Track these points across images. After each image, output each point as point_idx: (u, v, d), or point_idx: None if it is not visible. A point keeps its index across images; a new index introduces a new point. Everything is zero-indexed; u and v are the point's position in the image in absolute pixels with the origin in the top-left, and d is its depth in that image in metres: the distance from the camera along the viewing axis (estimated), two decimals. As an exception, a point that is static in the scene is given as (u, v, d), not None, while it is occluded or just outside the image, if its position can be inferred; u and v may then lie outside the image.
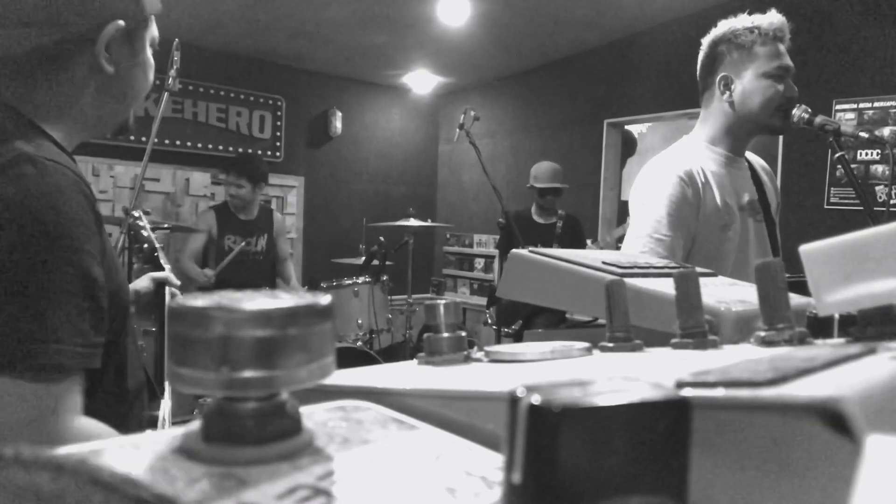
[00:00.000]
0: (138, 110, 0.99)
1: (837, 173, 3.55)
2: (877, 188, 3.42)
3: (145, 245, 1.45)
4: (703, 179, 1.52)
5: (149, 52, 0.95)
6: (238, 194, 3.71)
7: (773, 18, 1.54)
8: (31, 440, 0.69)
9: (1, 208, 0.74)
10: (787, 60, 1.54)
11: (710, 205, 1.51)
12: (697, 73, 1.65)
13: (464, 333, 0.49)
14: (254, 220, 3.83)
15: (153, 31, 0.95)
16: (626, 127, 5.11)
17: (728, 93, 1.56)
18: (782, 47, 1.54)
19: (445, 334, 0.48)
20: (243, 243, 3.70)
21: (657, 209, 1.47)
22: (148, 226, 1.52)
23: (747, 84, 1.54)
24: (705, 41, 1.62)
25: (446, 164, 6.30)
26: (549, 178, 4.02)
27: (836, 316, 0.46)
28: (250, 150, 4.81)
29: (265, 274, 3.92)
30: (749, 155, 1.70)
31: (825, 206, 3.60)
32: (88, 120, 0.91)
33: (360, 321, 3.58)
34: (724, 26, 1.58)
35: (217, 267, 3.61)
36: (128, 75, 0.91)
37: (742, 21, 1.55)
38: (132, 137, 4.34)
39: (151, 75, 0.96)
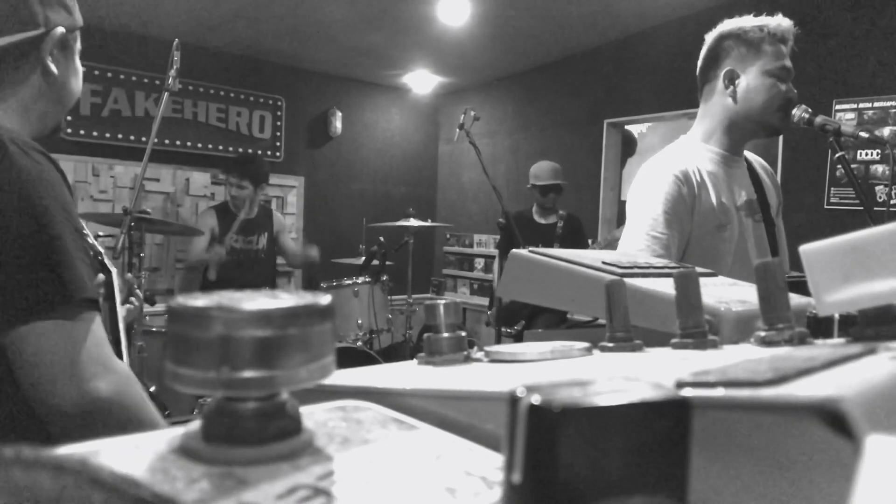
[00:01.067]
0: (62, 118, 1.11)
1: (837, 173, 3.55)
2: (877, 188, 3.42)
3: (90, 252, 1.68)
4: (698, 179, 1.52)
5: (78, 60, 1.07)
6: (240, 195, 3.74)
7: (781, 21, 1.56)
8: (88, 369, 0.83)
9: (7, 187, 0.84)
10: (790, 63, 1.56)
11: (705, 204, 1.52)
12: (698, 67, 1.65)
13: (464, 333, 0.49)
14: (254, 218, 3.86)
15: (79, 43, 1.08)
16: (626, 127, 5.11)
17: (732, 87, 1.57)
18: (785, 49, 1.56)
19: (445, 334, 0.48)
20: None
21: (653, 207, 1.48)
22: (90, 234, 1.75)
23: (752, 80, 1.55)
24: (710, 36, 1.63)
25: (446, 164, 6.30)
26: (550, 175, 4.02)
27: (836, 316, 0.46)
28: (250, 150, 4.81)
29: (266, 273, 3.94)
30: (749, 154, 1.70)
31: (825, 206, 3.60)
32: (32, 118, 1.02)
33: (360, 321, 3.58)
34: (731, 23, 1.59)
35: (226, 240, 3.66)
36: (65, 79, 1.04)
37: (750, 20, 1.57)
38: (132, 137, 4.35)
39: (81, 81, 1.09)
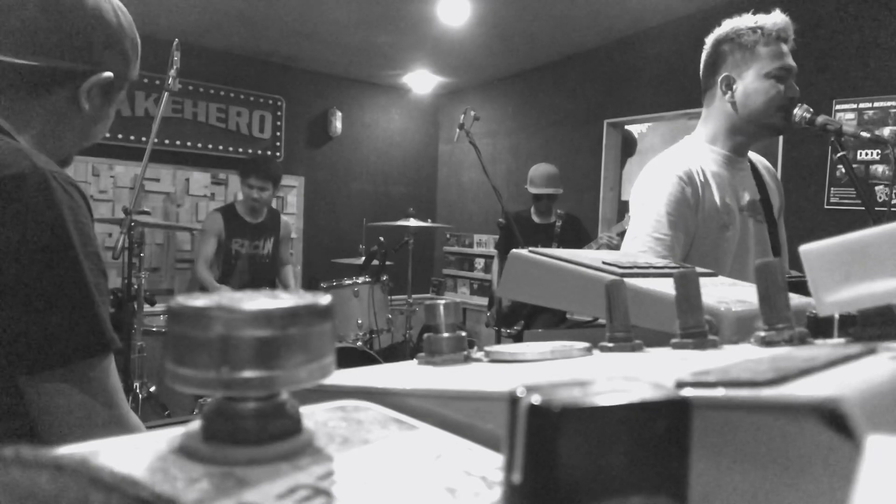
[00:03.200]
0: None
1: (837, 173, 3.55)
2: (877, 188, 3.42)
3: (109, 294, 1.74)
4: (702, 179, 1.52)
5: (113, 109, 1.04)
6: (261, 198, 3.71)
7: (776, 18, 1.54)
8: (100, 418, 0.85)
9: (27, 223, 0.80)
10: (790, 61, 1.54)
11: (708, 205, 1.51)
12: (700, 72, 1.65)
13: (464, 333, 0.49)
14: (261, 222, 3.83)
15: (124, 94, 1.05)
16: (626, 127, 5.11)
17: (730, 93, 1.56)
18: (785, 47, 1.54)
19: (445, 334, 0.48)
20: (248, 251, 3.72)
21: (657, 208, 1.47)
22: None
23: (749, 84, 1.54)
24: (708, 40, 1.62)
25: (446, 164, 6.30)
26: (544, 183, 4.00)
27: (836, 316, 0.46)
28: (251, 151, 4.82)
29: (270, 277, 3.94)
30: (752, 155, 1.70)
31: (825, 206, 3.60)
32: (49, 146, 0.98)
33: (360, 321, 3.58)
34: (727, 26, 1.58)
35: (235, 282, 3.65)
36: (93, 120, 1.00)
37: (745, 21, 1.55)
38: (132, 137, 4.35)
39: (107, 127, 1.06)
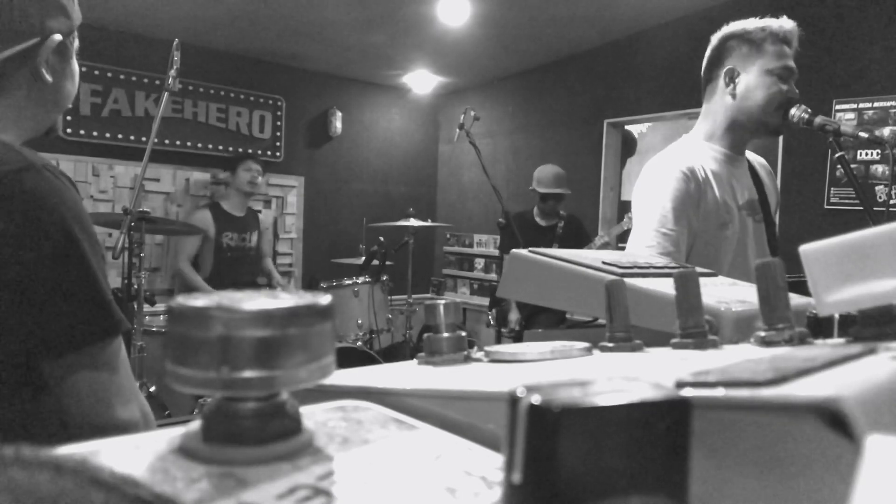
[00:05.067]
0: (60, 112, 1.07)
1: (837, 173, 3.55)
2: (877, 188, 3.42)
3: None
4: (703, 176, 1.53)
5: (75, 61, 1.03)
6: (258, 182, 4.03)
7: (783, 23, 1.57)
8: (122, 395, 0.88)
9: (29, 218, 0.82)
10: (793, 64, 1.57)
11: (710, 202, 1.52)
12: (703, 67, 1.66)
13: (464, 333, 0.49)
14: (245, 216, 4.04)
15: (77, 41, 1.03)
16: (626, 127, 5.11)
17: (732, 85, 1.58)
18: (789, 51, 1.57)
19: (445, 334, 0.48)
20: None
21: (662, 204, 1.47)
22: None
23: (752, 78, 1.55)
24: (715, 37, 1.64)
25: (446, 164, 6.29)
26: (553, 183, 3.99)
27: (836, 316, 0.46)
28: (251, 151, 4.82)
29: (256, 267, 4.15)
30: (749, 154, 1.70)
31: (825, 206, 3.60)
32: (26, 126, 0.98)
33: (360, 321, 3.58)
34: (735, 24, 1.61)
35: (227, 276, 3.84)
36: (60, 84, 0.99)
37: (753, 21, 1.58)
38: (132, 137, 4.35)
39: (77, 82, 1.05)
